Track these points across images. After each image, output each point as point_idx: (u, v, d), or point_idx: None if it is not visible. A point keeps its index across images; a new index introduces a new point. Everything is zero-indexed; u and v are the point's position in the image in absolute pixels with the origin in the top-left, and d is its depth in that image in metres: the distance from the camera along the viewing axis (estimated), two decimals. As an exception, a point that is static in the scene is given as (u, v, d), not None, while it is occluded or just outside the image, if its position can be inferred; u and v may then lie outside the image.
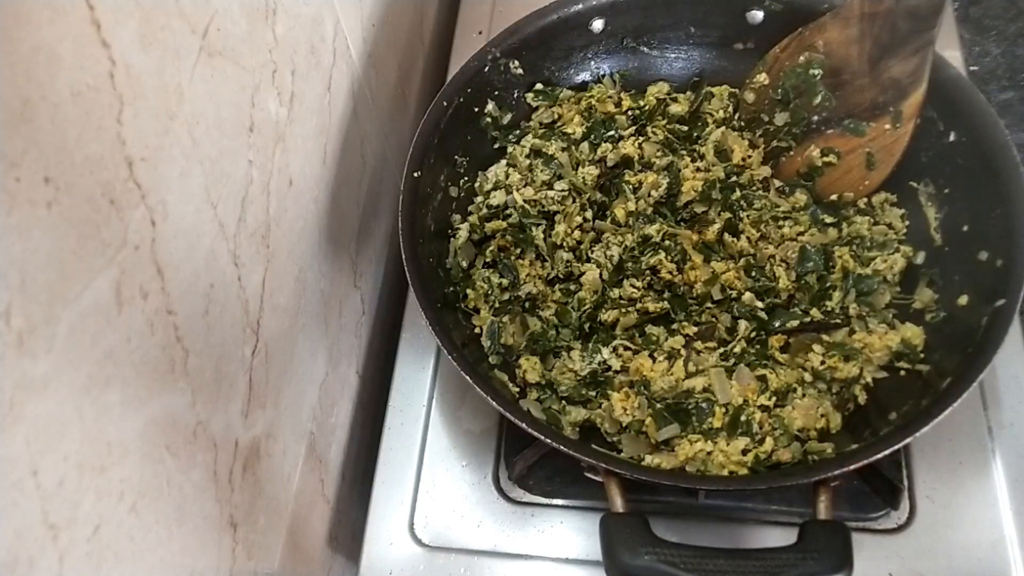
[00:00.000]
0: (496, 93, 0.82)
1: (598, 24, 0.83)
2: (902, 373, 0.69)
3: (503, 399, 0.64)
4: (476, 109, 0.81)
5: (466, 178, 0.80)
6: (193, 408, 0.48)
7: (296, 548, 0.68)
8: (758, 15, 0.82)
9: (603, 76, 0.87)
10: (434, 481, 0.76)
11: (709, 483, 0.65)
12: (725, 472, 0.65)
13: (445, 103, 0.76)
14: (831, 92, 0.77)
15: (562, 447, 0.60)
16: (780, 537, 0.70)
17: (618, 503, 0.60)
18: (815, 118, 0.79)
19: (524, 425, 0.61)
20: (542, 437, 0.60)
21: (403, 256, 0.68)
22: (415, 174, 0.72)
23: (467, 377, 0.62)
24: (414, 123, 0.97)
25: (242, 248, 0.54)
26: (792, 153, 0.81)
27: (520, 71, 0.82)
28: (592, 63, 0.86)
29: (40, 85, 0.33)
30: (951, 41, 0.95)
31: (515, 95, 0.84)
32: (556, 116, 0.85)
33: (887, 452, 0.58)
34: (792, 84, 0.79)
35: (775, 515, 0.71)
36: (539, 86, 0.85)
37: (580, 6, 0.82)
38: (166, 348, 0.44)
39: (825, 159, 0.79)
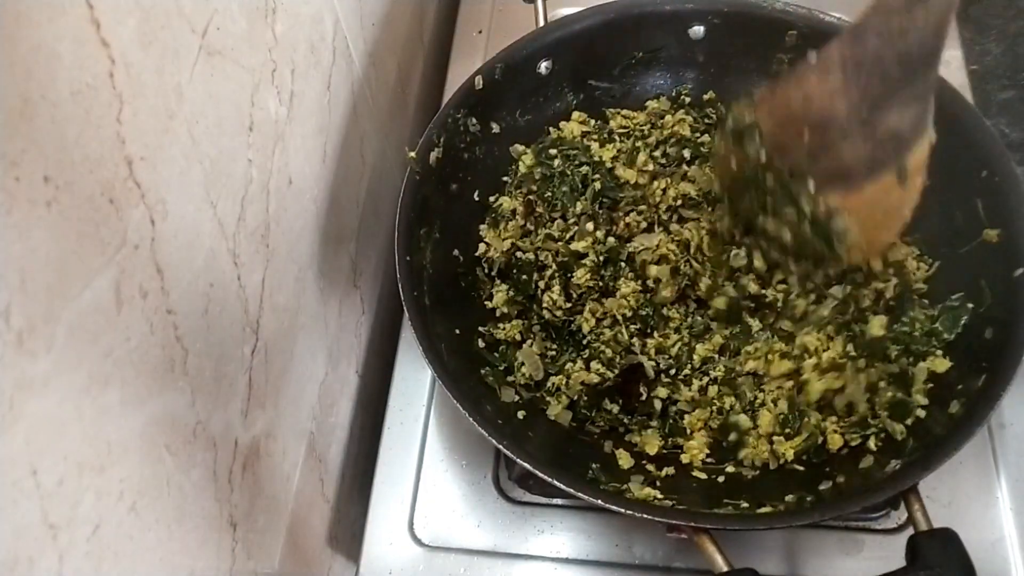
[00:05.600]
0: (465, 156, 0.80)
1: (545, 66, 0.82)
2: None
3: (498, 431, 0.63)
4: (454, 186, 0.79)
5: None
6: (193, 408, 0.48)
7: (296, 548, 0.68)
8: (699, 30, 0.83)
9: (570, 110, 0.86)
10: (434, 481, 0.76)
11: (802, 517, 0.60)
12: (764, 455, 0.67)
13: (418, 176, 0.73)
14: (816, 154, 0.65)
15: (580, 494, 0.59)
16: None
17: (719, 561, 0.56)
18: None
19: (528, 466, 0.60)
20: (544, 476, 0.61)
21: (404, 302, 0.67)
22: (407, 257, 0.70)
23: (462, 410, 0.62)
24: (414, 123, 0.97)
25: (242, 247, 0.54)
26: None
27: (477, 127, 0.80)
28: (553, 103, 0.85)
29: (40, 84, 0.33)
30: (951, 40, 0.95)
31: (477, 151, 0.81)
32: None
33: (972, 435, 0.58)
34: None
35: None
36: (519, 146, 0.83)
37: (525, 51, 0.80)
38: (166, 347, 0.44)
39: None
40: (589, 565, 0.71)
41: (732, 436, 0.70)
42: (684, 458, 0.69)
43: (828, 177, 0.65)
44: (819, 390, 0.69)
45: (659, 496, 0.65)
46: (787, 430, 0.69)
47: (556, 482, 0.59)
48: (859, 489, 0.62)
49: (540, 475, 0.59)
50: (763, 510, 0.62)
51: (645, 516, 0.57)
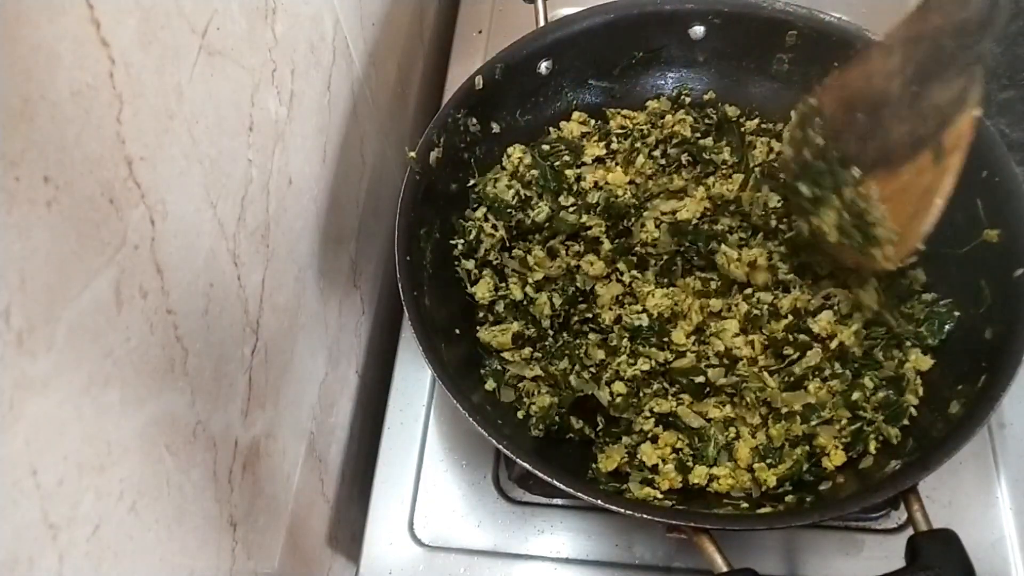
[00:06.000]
0: (465, 156, 0.79)
1: (545, 66, 0.82)
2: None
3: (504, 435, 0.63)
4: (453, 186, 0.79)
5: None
6: (193, 408, 0.48)
7: (296, 548, 0.68)
8: (699, 30, 0.83)
9: (570, 110, 0.86)
10: (434, 481, 0.76)
11: (802, 517, 0.60)
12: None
13: (418, 176, 0.73)
14: (866, 138, 0.66)
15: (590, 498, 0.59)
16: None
17: (719, 562, 0.56)
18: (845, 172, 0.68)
19: (528, 466, 0.60)
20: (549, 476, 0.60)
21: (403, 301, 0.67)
22: (407, 257, 0.70)
23: (461, 408, 0.62)
24: (414, 123, 0.97)
25: (242, 247, 0.54)
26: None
27: (477, 127, 0.80)
28: (553, 103, 0.85)
29: (40, 84, 0.33)
30: (951, 41, 0.94)
31: (478, 151, 0.81)
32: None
33: (972, 435, 0.58)
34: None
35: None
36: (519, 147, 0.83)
37: (525, 51, 0.80)
38: (166, 348, 0.44)
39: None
40: (589, 565, 0.71)
41: (694, 482, 0.66)
42: (636, 492, 0.65)
43: (873, 162, 0.65)
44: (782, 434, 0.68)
45: (659, 496, 0.65)
46: (768, 460, 0.67)
47: (556, 482, 0.59)
48: (859, 489, 0.62)
49: (540, 475, 0.59)
50: (763, 510, 0.62)
51: (645, 516, 0.57)
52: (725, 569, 0.55)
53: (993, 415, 0.60)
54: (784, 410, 0.68)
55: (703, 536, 0.57)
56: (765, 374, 0.70)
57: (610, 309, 0.74)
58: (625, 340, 0.72)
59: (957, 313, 0.69)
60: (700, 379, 0.70)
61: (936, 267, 0.73)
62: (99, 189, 0.38)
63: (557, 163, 0.81)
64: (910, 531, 0.58)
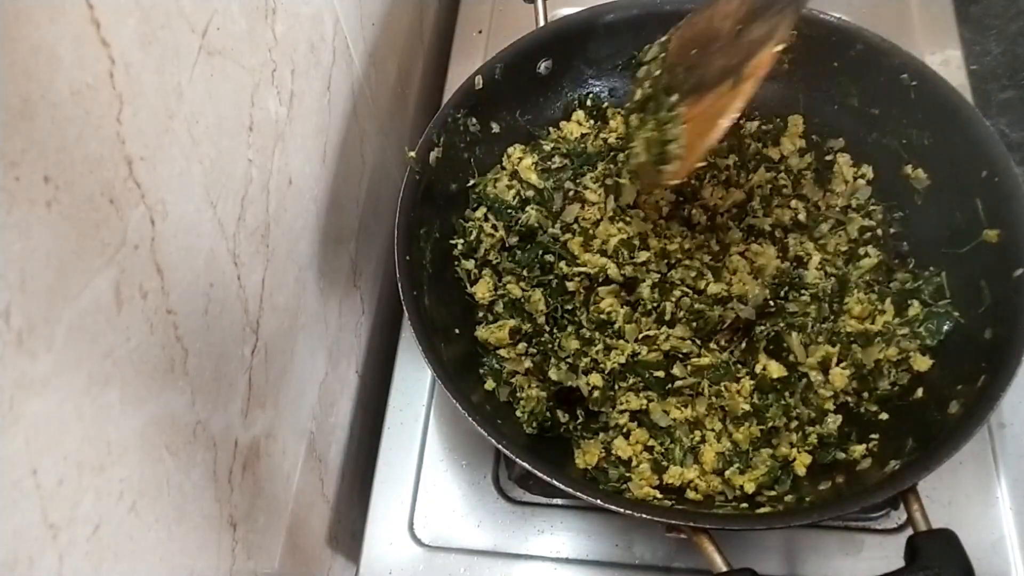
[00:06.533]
0: (465, 156, 0.80)
1: (545, 66, 0.82)
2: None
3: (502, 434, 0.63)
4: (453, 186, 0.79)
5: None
6: (193, 408, 0.48)
7: (296, 548, 0.68)
8: None
9: (570, 110, 0.86)
10: (434, 481, 0.76)
11: (802, 517, 0.60)
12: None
13: (417, 176, 0.73)
14: (693, 69, 0.69)
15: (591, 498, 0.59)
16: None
17: (718, 562, 0.56)
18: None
19: (527, 466, 0.60)
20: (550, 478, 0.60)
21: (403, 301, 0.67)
22: (406, 257, 0.70)
23: (461, 409, 0.62)
24: (414, 123, 0.97)
25: (241, 247, 0.54)
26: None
27: (477, 127, 0.80)
28: (553, 103, 0.85)
29: (40, 84, 0.33)
30: (951, 40, 0.94)
31: (477, 151, 0.81)
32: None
33: (972, 435, 0.58)
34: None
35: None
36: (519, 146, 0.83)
37: (525, 51, 0.80)
38: (166, 348, 0.44)
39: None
40: (589, 565, 0.71)
41: (669, 482, 0.67)
42: (636, 491, 0.66)
43: (689, 90, 0.68)
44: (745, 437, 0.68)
45: (658, 496, 0.65)
46: (736, 465, 0.67)
47: (556, 482, 0.59)
48: (859, 489, 0.62)
49: (540, 475, 0.59)
50: (762, 510, 0.62)
51: (644, 516, 0.57)
52: (725, 569, 0.55)
53: (993, 415, 0.60)
54: (740, 412, 0.69)
55: (703, 536, 0.57)
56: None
57: (583, 302, 0.75)
58: (596, 332, 0.73)
59: (956, 313, 0.69)
60: (660, 374, 0.70)
61: (936, 267, 0.73)
62: (99, 189, 0.38)
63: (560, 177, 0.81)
64: (910, 531, 0.58)
